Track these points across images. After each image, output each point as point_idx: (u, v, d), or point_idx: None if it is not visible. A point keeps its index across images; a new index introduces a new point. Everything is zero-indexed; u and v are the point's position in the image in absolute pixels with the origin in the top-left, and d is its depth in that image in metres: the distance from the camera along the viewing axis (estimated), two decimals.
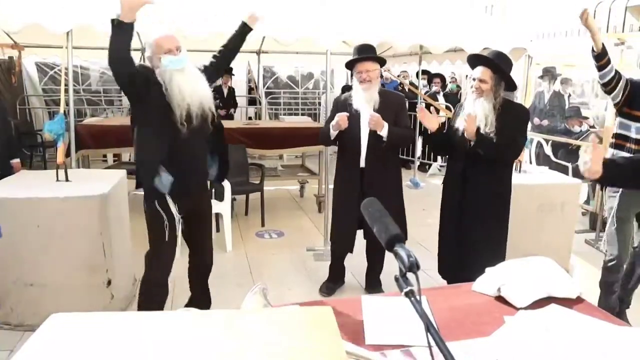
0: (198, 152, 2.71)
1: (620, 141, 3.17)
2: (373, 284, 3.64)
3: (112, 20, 2.37)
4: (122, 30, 2.37)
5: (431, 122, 3.14)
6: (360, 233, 3.47)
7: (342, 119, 3.23)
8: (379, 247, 3.41)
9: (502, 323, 1.47)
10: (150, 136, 2.58)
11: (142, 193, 2.74)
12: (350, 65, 3.37)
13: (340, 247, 3.59)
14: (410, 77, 8.99)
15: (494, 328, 1.44)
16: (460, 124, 2.98)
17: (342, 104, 3.42)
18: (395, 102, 3.41)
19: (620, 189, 3.08)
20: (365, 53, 3.30)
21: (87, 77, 9.80)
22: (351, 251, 3.59)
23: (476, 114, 2.83)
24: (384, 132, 3.22)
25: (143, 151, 2.67)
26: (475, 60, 2.97)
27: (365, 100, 3.27)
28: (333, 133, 3.34)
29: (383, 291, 3.58)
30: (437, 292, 1.79)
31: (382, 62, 3.39)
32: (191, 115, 2.55)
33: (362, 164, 3.34)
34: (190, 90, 2.53)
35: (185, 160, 2.62)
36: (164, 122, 2.51)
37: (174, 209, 2.65)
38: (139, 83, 2.49)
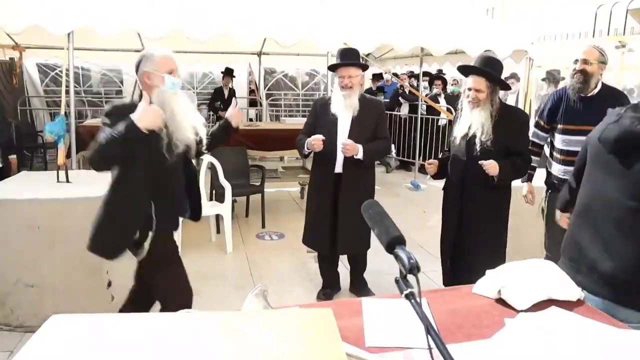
0: (179, 183, 2.49)
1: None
2: (356, 284, 3.64)
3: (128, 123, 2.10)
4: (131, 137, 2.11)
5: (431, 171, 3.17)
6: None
7: (317, 143, 3.20)
8: (342, 249, 3.43)
9: (502, 325, 1.47)
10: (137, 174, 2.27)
11: None
12: (333, 69, 3.38)
13: (311, 246, 3.60)
14: (406, 79, 9.00)
15: (495, 330, 1.43)
16: (458, 132, 2.98)
17: (320, 107, 3.41)
18: (375, 110, 3.38)
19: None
20: (349, 58, 3.29)
21: (88, 78, 9.82)
22: (327, 252, 3.51)
23: (492, 164, 2.79)
24: (360, 155, 3.21)
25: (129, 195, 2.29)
26: (467, 70, 2.95)
27: (344, 107, 3.26)
28: (307, 151, 3.32)
29: (370, 289, 3.60)
30: (437, 294, 1.79)
31: (364, 68, 3.41)
32: (177, 143, 2.34)
33: (338, 169, 3.32)
34: (183, 115, 2.35)
35: (169, 195, 2.39)
36: (154, 152, 2.25)
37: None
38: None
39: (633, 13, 9.03)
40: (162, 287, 2.42)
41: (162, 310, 2.43)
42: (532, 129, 3.32)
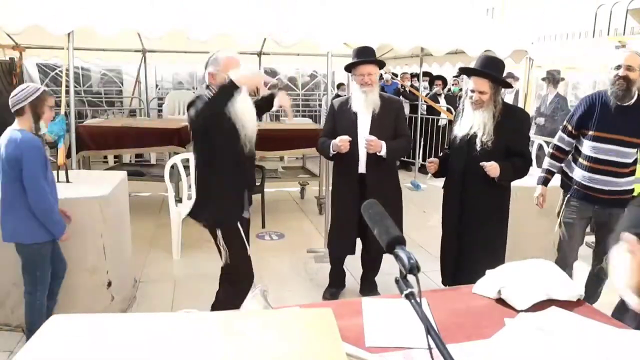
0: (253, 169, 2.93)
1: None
2: (368, 287, 3.61)
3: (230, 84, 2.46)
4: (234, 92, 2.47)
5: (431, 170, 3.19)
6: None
7: (344, 144, 3.18)
8: (374, 252, 3.42)
9: (502, 325, 1.47)
10: (230, 164, 2.65)
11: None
12: (349, 68, 3.33)
13: (338, 252, 3.56)
14: (409, 79, 8.99)
15: (495, 330, 1.44)
16: (459, 131, 2.97)
17: (339, 108, 3.37)
18: (394, 107, 3.37)
19: None
20: (367, 56, 3.27)
21: (88, 78, 9.82)
22: (353, 253, 3.54)
23: (493, 165, 2.80)
24: (383, 152, 3.19)
25: (224, 181, 2.67)
26: (469, 72, 2.93)
27: (365, 105, 3.23)
28: (332, 152, 3.28)
29: (379, 293, 3.57)
30: (437, 294, 1.79)
31: (381, 65, 3.38)
32: (247, 134, 2.64)
33: (362, 169, 3.29)
34: (245, 109, 2.60)
35: (250, 179, 2.83)
36: (235, 144, 2.61)
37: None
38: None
39: (633, 13, 9.02)
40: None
41: None
42: (558, 133, 3.22)
